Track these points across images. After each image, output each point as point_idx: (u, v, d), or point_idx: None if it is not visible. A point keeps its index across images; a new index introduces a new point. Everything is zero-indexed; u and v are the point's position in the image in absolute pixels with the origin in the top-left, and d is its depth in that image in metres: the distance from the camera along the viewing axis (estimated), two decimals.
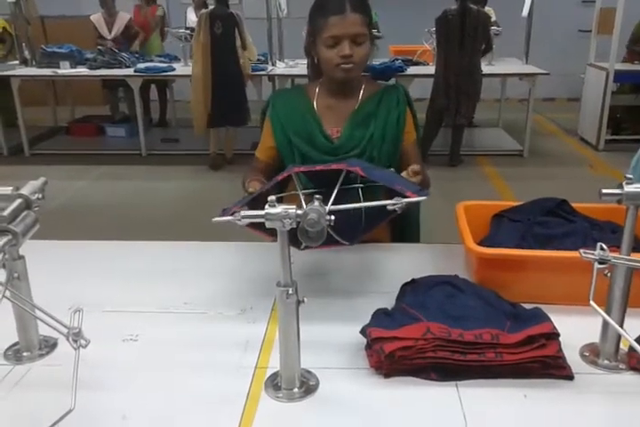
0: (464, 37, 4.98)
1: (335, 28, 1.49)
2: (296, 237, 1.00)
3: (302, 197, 1.27)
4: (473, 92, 5.22)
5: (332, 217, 0.97)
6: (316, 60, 1.60)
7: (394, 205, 1.14)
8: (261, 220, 0.96)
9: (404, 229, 1.77)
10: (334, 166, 1.26)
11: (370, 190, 1.42)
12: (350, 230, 1.33)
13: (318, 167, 1.27)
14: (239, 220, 1.00)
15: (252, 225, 1.15)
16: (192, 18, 6.22)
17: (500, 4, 6.67)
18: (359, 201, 1.43)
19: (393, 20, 6.92)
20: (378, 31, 6.11)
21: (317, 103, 1.66)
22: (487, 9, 6.47)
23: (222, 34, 5.01)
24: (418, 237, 1.83)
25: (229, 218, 1.12)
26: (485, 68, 5.92)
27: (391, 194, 1.19)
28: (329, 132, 1.64)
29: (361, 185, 1.42)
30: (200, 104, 5.19)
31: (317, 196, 0.99)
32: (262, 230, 1.22)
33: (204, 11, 5.11)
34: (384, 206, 1.14)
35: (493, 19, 6.45)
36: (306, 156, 1.63)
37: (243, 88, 5.26)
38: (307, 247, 1.30)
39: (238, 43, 5.17)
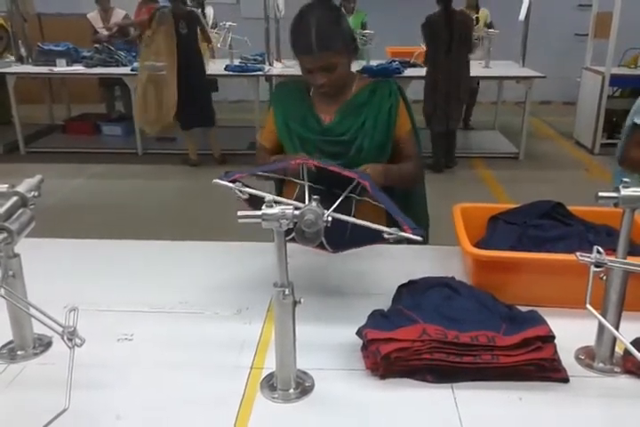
0: (451, 42, 5.00)
1: (306, 63, 1.61)
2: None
3: (306, 189, 1.27)
4: (464, 95, 5.25)
5: (330, 218, 0.97)
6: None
7: (389, 234, 1.14)
8: (258, 220, 0.96)
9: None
10: (346, 173, 1.27)
11: (364, 204, 1.42)
12: (335, 239, 1.33)
13: (332, 168, 1.27)
14: (240, 191, 0.99)
15: (248, 202, 1.15)
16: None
17: (497, 7, 6.69)
18: (350, 210, 1.44)
19: (390, 22, 6.93)
20: (363, 37, 6.07)
21: (314, 95, 1.75)
22: (482, 10, 6.49)
23: (187, 34, 4.97)
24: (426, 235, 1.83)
25: (230, 185, 1.11)
26: (482, 70, 5.96)
27: (384, 217, 1.19)
28: (322, 117, 1.72)
29: (358, 197, 1.42)
30: (153, 104, 5.11)
31: (315, 196, 0.99)
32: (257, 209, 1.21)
33: (164, 10, 5.01)
34: (378, 231, 1.14)
35: (488, 20, 6.48)
36: (301, 136, 1.71)
37: (207, 88, 5.22)
38: (292, 240, 1.28)
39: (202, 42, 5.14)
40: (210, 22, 6.26)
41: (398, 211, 1.26)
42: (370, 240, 1.35)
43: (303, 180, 1.38)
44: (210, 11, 6.52)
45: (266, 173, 1.49)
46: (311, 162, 1.31)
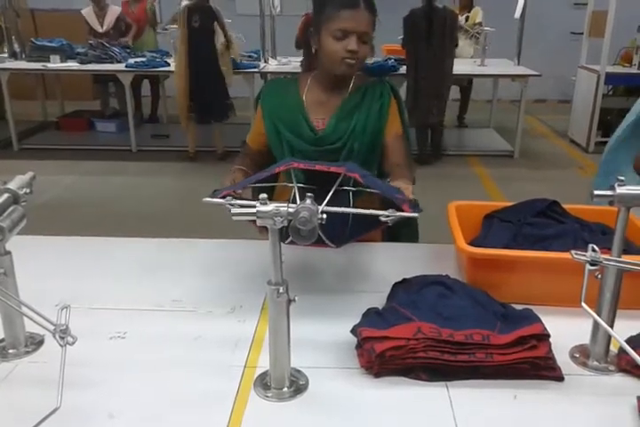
0: (431, 37, 5.00)
1: (346, 22, 1.51)
2: (281, 231, 0.99)
3: (297, 192, 1.26)
4: (445, 91, 5.28)
5: (324, 215, 0.97)
6: (313, 50, 1.61)
7: (387, 216, 1.13)
8: (253, 217, 0.95)
9: (401, 226, 1.77)
10: (333, 169, 1.26)
11: (360, 195, 1.42)
12: (336, 233, 1.32)
13: (318, 166, 1.26)
14: (230, 205, 0.99)
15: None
16: None
17: (493, 6, 6.69)
18: (349, 203, 1.43)
19: (386, 19, 6.92)
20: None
21: (307, 95, 1.68)
22: (475, 9, 6.49)
23: (199, 27, 4.97)
24: (416, 235, 1.83)
25: (220, 201, 1.11)
26: (477, 68, 5.97)
27: (383, 204, 1.19)
28: (315, 123, 1.66)
29: (353, 189, 1.42)
30: (182, 98, 5.18)
31: (309, 194, 0.98)
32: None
33: (183, 4, 5.05)
34: (375, 216, 1.13)
35: (479, 20, 6.46)
36: (292, 145, 1.66)
37: (221, 82, 5.18)
38: (291, 242, 1.29)
39: (221, 39, 5.11)
40: None
41: (394, 192, 1.25)
42: (369, 227, 1.35)
43: (293, 183, 1.37)
44: None
45: (254, 185, 1.46)
46: (295, 164, 1.29)
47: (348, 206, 1.39)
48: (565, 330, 1.13)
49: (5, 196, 1.03)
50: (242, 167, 1.61)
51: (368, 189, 1.34)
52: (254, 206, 0.95)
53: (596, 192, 1.03)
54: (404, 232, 1.78)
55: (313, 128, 1.65)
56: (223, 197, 1.19)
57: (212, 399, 1.01)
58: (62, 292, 1.31)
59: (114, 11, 6.42)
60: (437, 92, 5.19)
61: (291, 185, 1.39)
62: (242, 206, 1.09)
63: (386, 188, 1.27)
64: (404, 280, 1.28)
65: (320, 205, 1.02)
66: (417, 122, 5.29)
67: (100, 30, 6.35)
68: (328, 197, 1.13)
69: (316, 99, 1.67)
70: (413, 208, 1.18)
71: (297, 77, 1.76)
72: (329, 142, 1.64)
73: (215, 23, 5.04)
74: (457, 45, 5.36)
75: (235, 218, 0.99)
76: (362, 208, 1.18)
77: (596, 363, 1.10)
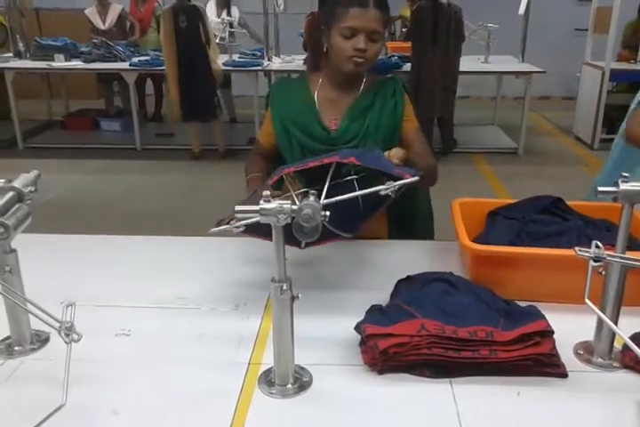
0: (437, 32, 5.01)
1: (355, 21, 1.50)
2: (295, 237, 0.99)
3: (295, 198, 1.26)
4: (453, 86, 5.27)
5: (327, 212, 0.97)
6: (325, 49, 1.61)
7: (386, 189, 1.13)
8: (256, 215, 0.96)
9: (411, 223, 1.78)
10: (326, 160, 1.24)
11: (365, 180, 1.41)
12: (349, 222, 1.32)
13: (311, 164, 1.25)
14: (236, 228, 1.00)
15: (248, 231, 1.14)
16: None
17: (497, 2, 6.67)
18: (355, 191, 1.42)
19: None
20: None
21: (318, 94, 1.67)
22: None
23: (187, 27, 4.96)
24: (431, 232, 1.83)
25: (226, 227, 1.12)
26: (481, 65, 5.95)
27: (386, 179, 1.18)
28: (327, 123, 1.65)
29: (355, 176, 1.41)
30: (174, 95, 5.22)
31: (312, 191, 0.98)
32: (260, 234, 1.21)
33: (166, 6, 5.07)
34: (380, 193, 1.13)
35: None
36: (304, 145, 1.64)
37: (211, 83, 5.17)
38: (307, 245, 1.30)
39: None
40: (235, 22, 6.13)
41: (392, 166, 1.24)
42: (378, 206, 1.35)
43: (293, 186, 1.36)
44: (235, 12, 6.37)
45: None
46: (286, 170, 1.28)
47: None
48: (569, 327, 1.13)
49: (10, 194, 1.03)
50: (256, 175, 1.60)
51: (367, 171, 1.33)
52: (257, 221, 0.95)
53: (600, 188, 1.03)
54: (419, 226, 1.78)
55: (325, 128, 1.64)
56: (227, 223, 1.19)
57: (217, 396, 1.01)
58: (67, 289, 1.32)
59: (115, 8, 6.44)
60: (445, 86, 5.18)
61: (288, 194, 1.38)
62: (245, 225, 1.09)
63: (382, 161, 1.26)
64: (408, 277, 1.28)
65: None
66: (421, 116, 5.29)
67: (103, 27, 6.38)
68: (325, 189, 1.12)
69: (328, 98, 1.66)
70: (413, 174, 1.17)
71: (306, 76, 1.75)
72: (342, 142, 1.62)
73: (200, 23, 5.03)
74: (462, 41, 5.36)
75: (238, 216, 0.99)
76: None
77: (600, 360, 1.10)
